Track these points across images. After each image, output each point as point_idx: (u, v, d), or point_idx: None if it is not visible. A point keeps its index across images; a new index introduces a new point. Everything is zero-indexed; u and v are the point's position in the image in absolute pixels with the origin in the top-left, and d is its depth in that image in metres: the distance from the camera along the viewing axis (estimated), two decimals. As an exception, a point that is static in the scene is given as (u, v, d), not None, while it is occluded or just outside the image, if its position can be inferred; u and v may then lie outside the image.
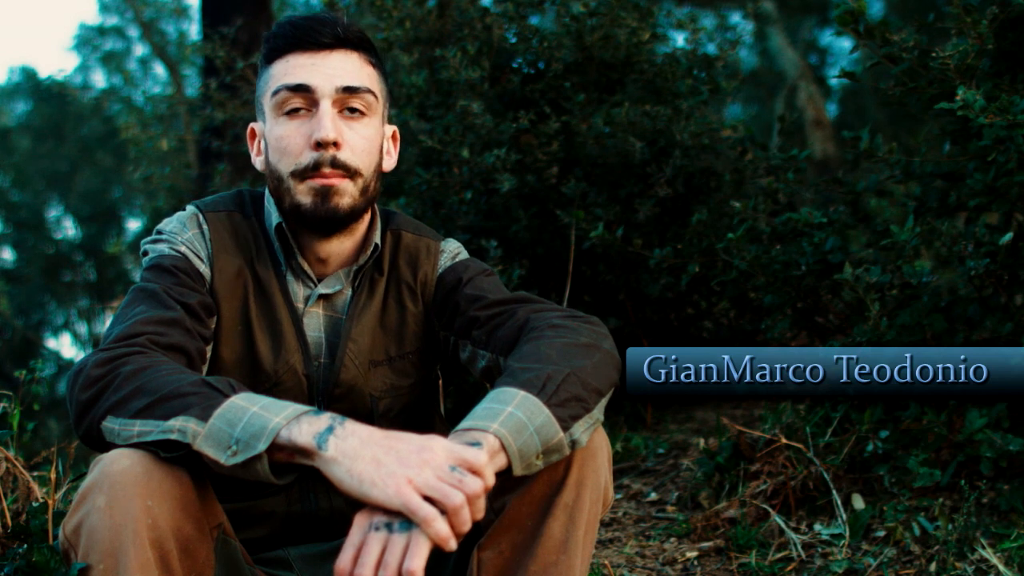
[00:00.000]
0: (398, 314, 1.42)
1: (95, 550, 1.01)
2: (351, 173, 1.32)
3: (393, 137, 1.46)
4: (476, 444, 1.06)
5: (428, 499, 1.01)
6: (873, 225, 2.35)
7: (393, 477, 1.01)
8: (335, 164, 1.31)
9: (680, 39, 3.11)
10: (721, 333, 3.27)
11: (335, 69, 1.33)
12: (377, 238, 1.41)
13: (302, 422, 1.04)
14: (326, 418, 1.06)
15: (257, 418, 1.04)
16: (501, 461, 1.08)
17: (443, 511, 1.01)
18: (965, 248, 2.02)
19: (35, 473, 1.93)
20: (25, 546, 1.36)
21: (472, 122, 2.77)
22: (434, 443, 1.05)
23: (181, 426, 1.05)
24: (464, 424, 1.10)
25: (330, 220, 1.33)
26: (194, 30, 11.07)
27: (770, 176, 2.76)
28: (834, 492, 2.02)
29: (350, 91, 1.33)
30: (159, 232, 1.38)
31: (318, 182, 1.31)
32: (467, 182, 2.82)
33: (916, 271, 2.07)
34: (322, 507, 1.37)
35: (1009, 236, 1.96)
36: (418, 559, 0.99)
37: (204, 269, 1.34)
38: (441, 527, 1.00)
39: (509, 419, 1.09)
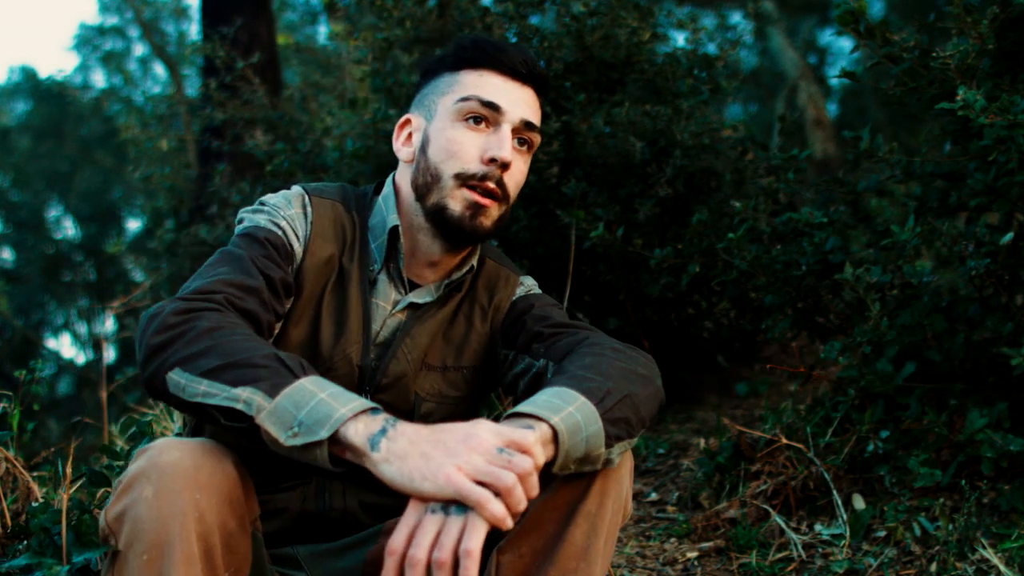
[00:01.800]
0: (465, 329, 1.46)
1: (140, 540, 1.01)
2: (504, 196, 1.38)
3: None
4: (528, 428, 1.08)
5: (481, 484, 1.01)
6: (873, 225, 2.35)
7: (442, 468, 1.02)
8: (499, 183, 1.36)
9: (680, 39, 3.11)
10: (721, 333, 3.27)
11: (522, 101, 1.40)
12: (475, 260, 1.46)
13: (359, 420, 1.05)
14: (381, 419, 1.06)
15: (324, 405, 1.05)
16: (549, 452, 1.09)
17: (496, 493, 1.01)
18: (966, 248, 2.02)
19: (35, 473, 1.93)
20: (25, 542, 1.36)
21: (472, 122, 2.76)
22: (480, 428, 1.05)
23: (248, 397, 1.05)
24: (523, 408, 1.11)
25: (470, 235, 1.38)
26: (194, 30, 11.09)
27: (770, 176, 2.75)
28: (834, 492, 2.02)
29: (529, 127, 1.40)
30: (262, 203, 1.40)
31: (475, 197, 1.36)
32: (467, 182, 2.81)
33: (917, 271, 2.07)
34: (335, 507, 1.38)
35: (1010, 236, 1.96)
36: (475, 539, 0.99)
37: (297, 248, 1.37)
38: (496, 508, 1.00)
39: (569, 418, 1.11)
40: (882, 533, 1.92)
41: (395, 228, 1.40)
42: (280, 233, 1.35)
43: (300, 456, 1.04)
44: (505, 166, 1.36)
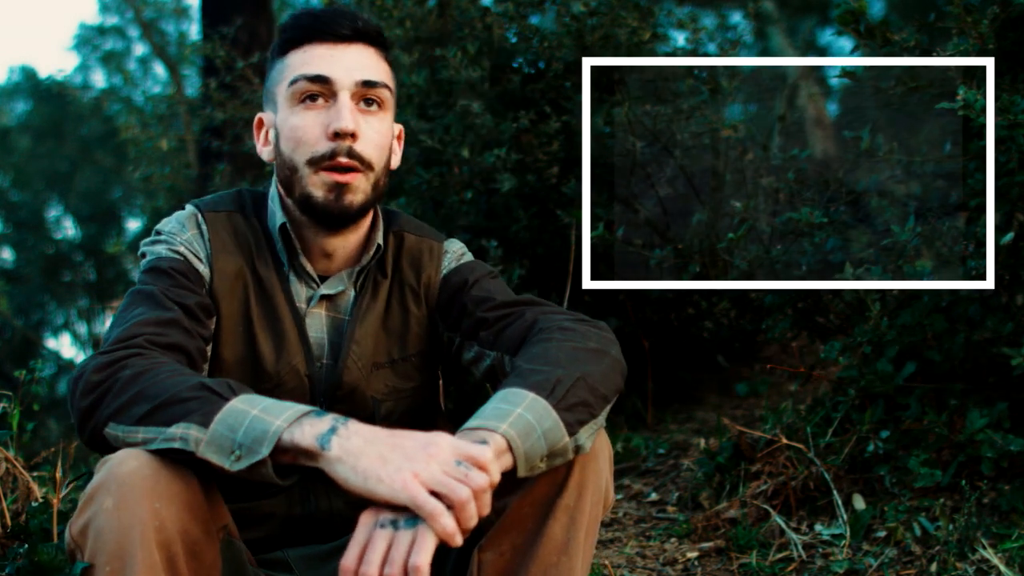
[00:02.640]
0: (401, 317, 1.42)
1: (102, 552, 1.01)
2: (365, 165, 1.32)
3: (399, 136, 1.46)
4: (483, 442, 1.06)
5: (434, 494, 1.01)
6: (873, 225, 2.34)
7: (399, 472, 1.01)
8: (351, 155, 1.31)
9: (681, 39, 3.11)
10: (721, 333, 3.27)
11: (354, 62, 1.33)
12: (380, 238, 1.41)
13: (304, 424, 1.04)
14: (328, 419, 1.05)
15: (258, 422, 1.04)
16: (507, 461, 1.08)
17: (449, 506, 1.01)
18: (966, 248, 2.01)
19: (35, 473, 1.93)
20: (26, 546, 1.36)
21: (472, 122, 2.77)
22: (439, 439, 1.05)
23: (183, 433, 1.04)
24: (472, 423, 1.10)
25: (341, 216, 1.33)
26: (194, 30, 11.08)
27: (770, 176, 2.75)
28: (835, 492, 2.02)
29: (368, 85, 1.33)
30: (158, 232, 1.37)
31: (333, 177, 1.31)
32: (467, 182, 2.82)
33: (917, 271, 2.07)
34: (322, 509, 1.37)
35: (1010, 236, 1.96)
36: (424, 554, 0.99)
37: (203, 269, 1.34)
38: (448, 522, 1.00)
39: (518, 421, 1.09)
40: (882, 533, 1.92)
41: (283, 226, 1.37)
42: (182, 259, 1.33)
43: (249, 476, 1.04)
44: (352, 135, 1.30)
